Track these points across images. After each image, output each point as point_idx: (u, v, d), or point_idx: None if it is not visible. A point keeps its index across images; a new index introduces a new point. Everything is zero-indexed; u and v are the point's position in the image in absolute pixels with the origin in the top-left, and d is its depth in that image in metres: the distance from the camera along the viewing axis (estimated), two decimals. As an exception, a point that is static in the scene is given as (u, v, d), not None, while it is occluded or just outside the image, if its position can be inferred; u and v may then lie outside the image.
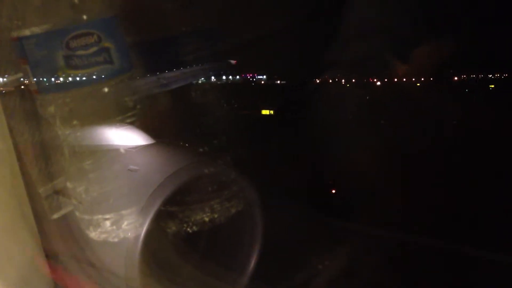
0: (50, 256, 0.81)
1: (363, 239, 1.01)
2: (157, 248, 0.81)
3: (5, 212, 0.71)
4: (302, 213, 1.01)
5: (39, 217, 0.80)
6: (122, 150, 0.87)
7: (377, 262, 0.98)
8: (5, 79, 0.79)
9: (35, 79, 0.74)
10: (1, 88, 0.77)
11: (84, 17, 0.73)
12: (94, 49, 0.73)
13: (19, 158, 0.77)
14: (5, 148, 0.74)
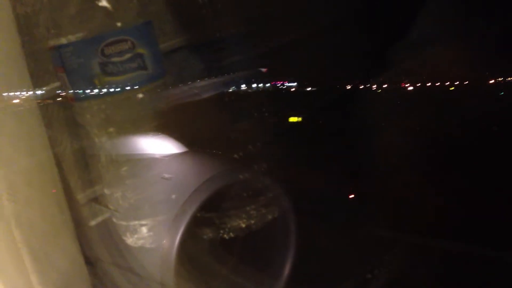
0: (89, 261, 0.82)
1: (402, 247, 0.97)
2: (192, 252, 0.81)
3: (46, 219, 0.73)
4: (336, 219, 0.99)
5: (78, 224, 0.82)
6: (157, 158, 0.88)
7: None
8: (43, 91, 0.81)
9: (72, 87, 0.76)
10: (39, 101, 0.79)
11: (118, 23, 0.74)
12: (129, 55, 0.75)
13: (59, 166, 0.79)
14: (45, 156, 0.75)
